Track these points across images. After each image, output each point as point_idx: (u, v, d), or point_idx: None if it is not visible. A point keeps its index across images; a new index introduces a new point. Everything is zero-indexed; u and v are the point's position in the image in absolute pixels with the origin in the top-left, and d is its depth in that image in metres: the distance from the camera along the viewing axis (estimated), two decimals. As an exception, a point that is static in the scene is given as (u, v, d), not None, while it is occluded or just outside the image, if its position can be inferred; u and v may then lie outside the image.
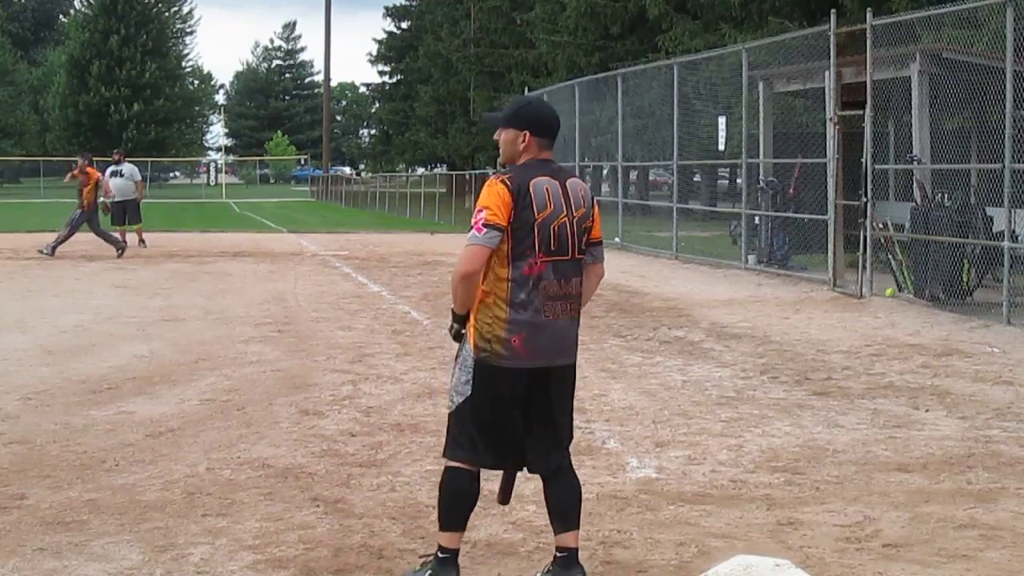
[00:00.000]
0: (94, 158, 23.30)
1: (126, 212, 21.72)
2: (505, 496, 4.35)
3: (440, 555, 4.15)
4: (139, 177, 22.45)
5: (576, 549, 4.20)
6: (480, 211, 4.01)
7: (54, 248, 19.03)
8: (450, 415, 4.18)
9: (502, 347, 4.03)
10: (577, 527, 4.22)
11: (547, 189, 4.06)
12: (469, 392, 4.09)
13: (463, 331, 4.15)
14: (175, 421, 6.99)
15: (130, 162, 22.92)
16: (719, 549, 4.60)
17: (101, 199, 21.62)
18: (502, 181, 4.04)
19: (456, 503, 4.17)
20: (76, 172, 20.20)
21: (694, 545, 4.69)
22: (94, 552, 4.62)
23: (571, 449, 6.27)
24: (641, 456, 6.17)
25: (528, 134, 4.12)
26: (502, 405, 4.08)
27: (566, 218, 4.08)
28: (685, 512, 5.15)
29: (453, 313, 4.15)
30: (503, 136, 4.18)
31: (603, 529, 4.89)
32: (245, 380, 8.31)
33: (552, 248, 4.05)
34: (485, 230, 3.97)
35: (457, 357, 4.18)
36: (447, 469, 4.19)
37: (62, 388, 8.01)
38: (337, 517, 5.08)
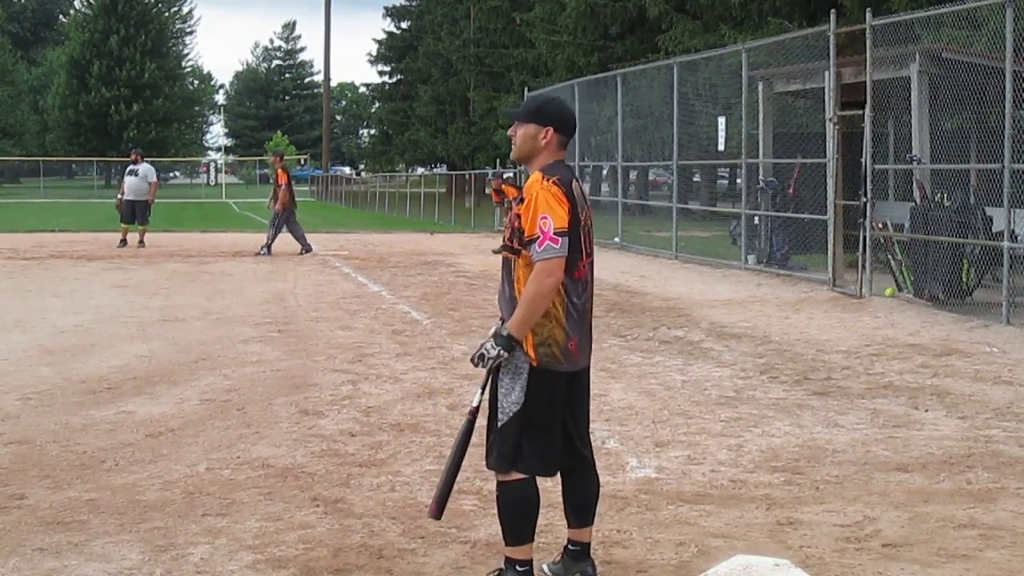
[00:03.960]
0: (96, 159, 23.51)
1: (135, 212, 21.72)
2: (440, 510, 4.18)
3: (519, 569, 4.11)
4: (154, 178, 22.37)
5: (590, 544, 4.27)
6: (545, 217, 3.89)
7: (268, 247, 20.36)
8: (502, 427, 4.04)
9: (560, 352, 4.03)
10: (592, 523, 4.30)
11: (580, 190, 4.09)
12: (524, 400, 4.01)
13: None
14: (175, 421, 6.99)
15: (148, 162, 22.92)
16: (719, 549, 4.60)
17: (118, 196, 21.85)
18: (555, 183, 3.95)
19: (529, 513, 4.12)
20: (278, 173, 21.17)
21: (694, 545, 4.69)
22: (94, 552, 4.62)
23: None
24: (641, 456, 6.17)
25: (552, 131, 4.05)
26: (556, 410, 4.10)
27: (589, 219, 4.14)
28: (685, 512, 5.15)
29: (509, 337, 3.96)
30: (523, 131, 4.08)
31: (603, 529, 4.88)
32: (245, 380, 8.31)
33: (589, 250, 4.11)
34: (560, 240, 3.89)
35: (499, 368, 4.03)
36: (509, 484, 4.08)
37: (62, 388, 8.01)
38: (337, 517, 5.08)
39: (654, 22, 27.70)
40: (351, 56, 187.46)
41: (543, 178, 3.96)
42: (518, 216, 3.97)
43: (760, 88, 16.92)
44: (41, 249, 20.99)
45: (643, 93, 21.95)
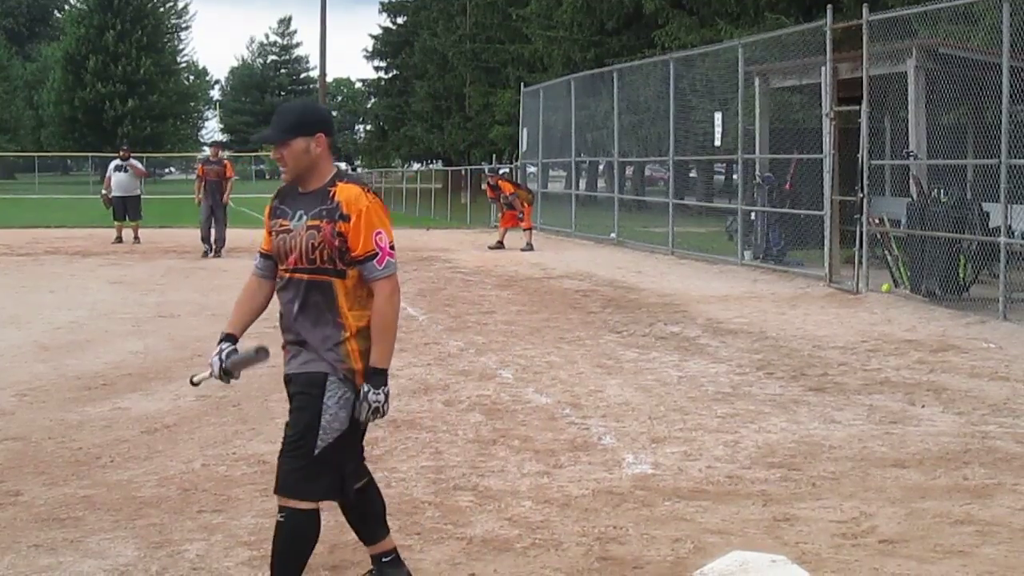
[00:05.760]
0: (91, 154, 23.47)
1: (127, 208, 21.70)
2: None
3: None
4: (140, 166, 22.53)
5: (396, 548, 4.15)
6: (379, 232, 3.72)
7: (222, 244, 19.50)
8: (322, 454, 3.74)
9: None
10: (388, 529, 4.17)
11: None
12: (347, 424, 3.77)
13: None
14: (170, 417, 6.98)
15: (135, 157, 22.96)
16: (715, 545, 4.60)
17: (102, 192, 21.69)
18: (375, 194, 3.79)
19: (311, 546, 3.87)
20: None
21: (690, 541, 4.69)
22: (89, 548, 4.61)
23: (567, 445, 6.31)
24: (637, 452, 6.17)
25: (322, 136, 3.77)
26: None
27: None
28: (681, 508, 5.15)
29: (385, 373, 3.74)
30: (290, 150, 3.74)
31: (599, 525, 4.88)
32: (240, 376, 8.28)
33: None
34: (395, 254, 3.76)
35: (325, 395, 3.72)
36: (303, 512, 3.78)
37: (57, 384, 8.00)
38: (332, 513, 5.05)
39: (650, 17, 27.68)
40: (347, 52, 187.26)
41: (364, 191, 3.76)
42: (340, 234, 3.69)
43: (756, 84, 16.92)
44: (36, 245, 20.96)
45: (639, 88, 21.94)
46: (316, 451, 3.72)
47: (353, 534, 4.79)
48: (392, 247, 3.76)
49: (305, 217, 3.74)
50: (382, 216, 3.75)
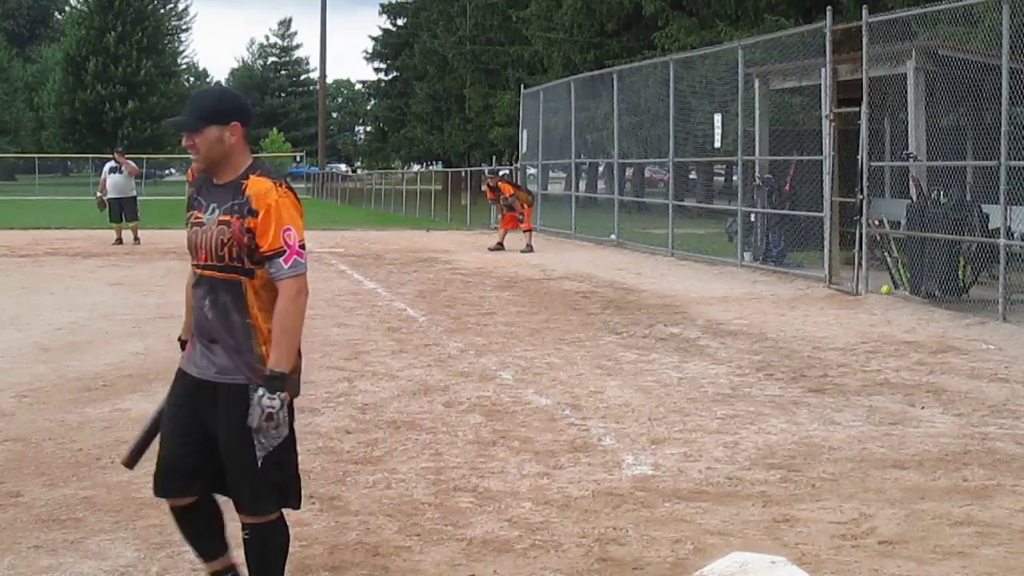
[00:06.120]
0: (91, 156, 23.42)
1: (123, 209, 21.71)
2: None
3: None
4: (132, 164, 22.58)
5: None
6: (288, 229, 3.51)
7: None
8: (263, 467, 3.59)
9: (299, 377, 3.71)
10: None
11: None
12: (288, 433, 3.64)
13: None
14: (171, 418, 6.97)
15: (129, 159, 22.98)
16: (715, 546, 4.60)
17: (97, 194, 21.64)
18: (289, 189, 3.60)
19: (284, 553, 3.77)
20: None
21: (690, 542, 4.69)
22: (90, 550, 4.61)
23: (567, 446, 6.32)
24: (637, 453, 6.17)
25: (238, 125, 3.60)
26: None
27: None
28: (681, 509, 5.15)
29: (283, 376, 3.51)
30: (202, 138, 3.56)
31: (599, 526, 4.88)
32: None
33: None
34: (304, 254, 3.56)
35: (273, 417, 3.49)
36: (276, 523, 3.71)
37: (57, 385, 8.00)
38: (332, 514, 5.07)
39: (650, 19, 27.70)
40: (347, 53, 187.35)
41: (276, 185, 3.57)
42: (249, 230, 3.50)
43: (756, 85, 16.92)
44: (36, 246, 20.96)
45: (639, 90, 21.95)
46: (259, 463, 3.58)
47: (353, 534, 4.80)
48: (303, 246, 3.56)
49: (217, 211, 3.57)
50: (293, 212, 3.55)
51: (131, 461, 3.85)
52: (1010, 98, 10.84)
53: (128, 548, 4.61)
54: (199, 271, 3.65)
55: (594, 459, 6.03)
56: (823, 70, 14.31)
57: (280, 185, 3.57)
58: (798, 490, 5.45)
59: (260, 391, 3.47)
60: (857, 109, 13.50)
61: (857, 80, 13.59)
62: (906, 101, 13.55)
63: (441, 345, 9.90)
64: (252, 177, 3.57)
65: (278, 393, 3.47)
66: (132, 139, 69.31)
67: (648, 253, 19.78)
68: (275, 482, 3.62)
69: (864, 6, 13.38)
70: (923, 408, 7.27)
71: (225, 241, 3.53)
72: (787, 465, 5.90)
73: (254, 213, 3.50)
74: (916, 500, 5.27)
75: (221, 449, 3.61)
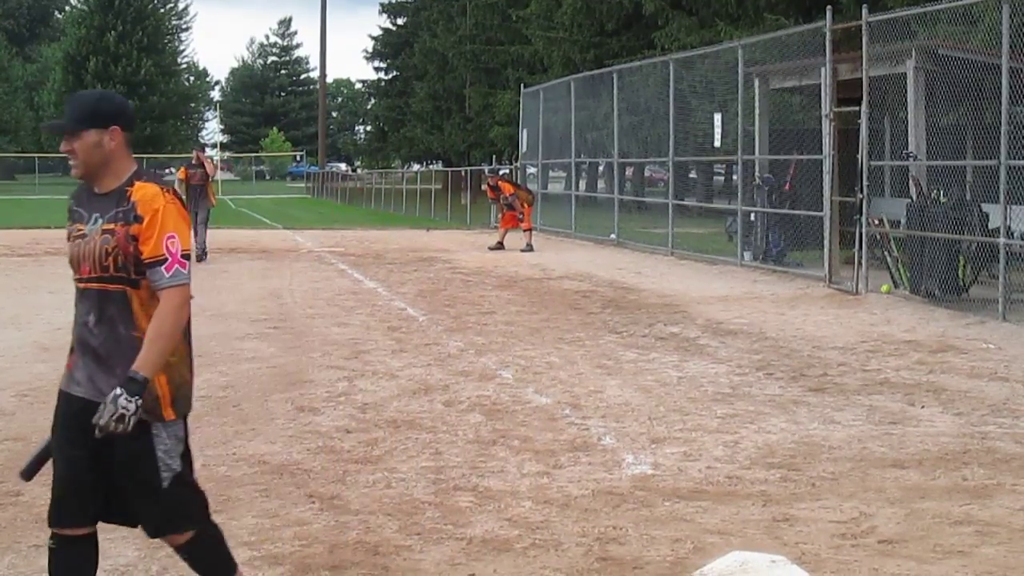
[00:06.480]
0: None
1: None
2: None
3: None
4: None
5: None
6: (172, 237, 3.36)
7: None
8: (168, 488, 3.43)
9: (190, 393, 3.54)
10: None
11: None
12: (183, 452, 3.50)
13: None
14: (171, 418, 6.97)
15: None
16: (715, 545, 4.60)
17: None
18: (175, 196, 3.47)
19: (225, 549, 3.68)
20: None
21: (690, 541, 4.69)
22: (89, 549, 4.60)
23: (567, 445, 6.32)
24: (637, 452, 6.17)
25: (118, 130, 3.44)
26: None
27: None
28: (681, 508, 5.15)
29: (145, 382, 3.30)
30: (81, 143, 3.39)
31: (599, 526, 4.89)
32: (241, 376, 8.30)
33: None
34: (187, 264, 3.40)
35: (124, 420, 3.27)
36: (187, 542, 3.55)
37: (57, 385, 7.98)
38: (333, 514, 5.07)
39: (650, 18, 27.68)
40: (347, 52, 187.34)
41: (162, 191, 3.42)
42: (135, 238, 3.34)
43: (756, 84, 16.92)
44: (36, 246, 20.95)
45: (639, 89, 21.96)
46: (164, 484, 3.42)
47: (353, 533, 4.80)
48: (185, 256, 3.39)
49: (100, 220, 3.41)
50: (179, 220, 3.40)
51: (28, 474, 3.69)
52: (1010, 97, 10.84)
53: (128, 548, 4.61)
54: (82, 285, 3.49)
55: (594, 458, 6.03)
56: (823, 69, 14.31)
57: (167, 191, 3.43)
58: (798, 489, 5.46)
59: (118, 390, 3.28)
60: (857, 108, 13.50)
61: (857, 79, 13.59)
62: (906, 100, 13.54)
63: (441, 344, 9.91)
64: (138, 183, 3.43)
65: (135, 397, 3.28)
66: (132, 139, 69.15)
67: (648, 252, 19.78)
68: (183, 499, 3.48)
69: (864, 5, 13.38)
70: (923, 407, 7.27)
71: (110, 251, 3.37)
72: (787, 464, 5.90)
73: (139, 219, 3.36)
74: (916, 499, 5.27)
75: (117, 473, 3.42)
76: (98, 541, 3.59)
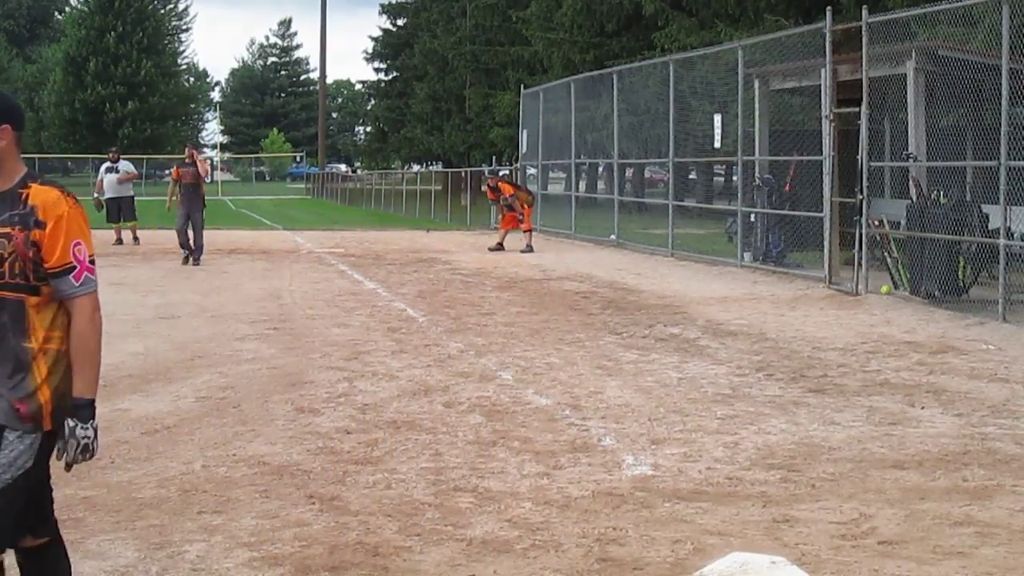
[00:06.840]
0: (92, 156, 23.43)
1: (120, 209, 21.71)
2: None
3: None
4: (132, 169, 22.61)
5: None
6: (79, 244, 3.23)
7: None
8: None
9: (71, 400, 3.31)
10: None
11: None
12: (30, 466, 3.24)
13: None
14: (171, 418, 6.98)
15: (125, 159, 23.02)
16: (715, 546, 4.60)
17: (94, 195, 21.62)
18: (75, 199, 3.31)
19: None
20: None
21: (690, 542, 4.69)
22: (90, 550, 4.61)
23: (567, 446, 6.32)
24: (637, 453, 6.17)
25: (9, 128, 3.31)
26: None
27: None
28: (681, 509, 5.15)
29: (90, 405, 3.24)
30: None
31: (599, 526, 4.89)
32: (241, 377, 8.31)
33: None
34: (95, 270, 3.30)
35: (89, 448, 3.25)
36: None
37: None
38: (332, 514, 5.07)
39: (650, 19, 27.70)
40: (347, 53, 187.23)
41: (64, 195, 3.26)
42: (35, 243, 3.19)
43: (756, 85, 16.92)
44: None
45: (639, 90, 21.96)
46: None
47: (353, 534, 4.80)
48: (92, 261, 3.28)
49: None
50: (83, 225, 3.27)
51: None
52: (1010, 98, 10.84)
53: (128, 548, 4.61)
54: None
55: (594, 459, 6.03)
56: (823, 70, 14.31)
57: (68, 195, 3.28)
58: (798, 490, 5.45)
59: (72, 422, 3.20)
60: (857, 109, 13.50)
61: (857, 80, 13.59)
62: (906, 101, 13.54)
63: (441, 345, 9.91)
64: (34, 186, 3.27)
65: (90, 422, 3.23)
66: (132, 139, 69.33)
67: (648, 253, 19.78)
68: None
69: (864, 6, 13.38)
70: (923, 408, 7.27)
71: (6, 256, 3.19)
72: (787, 465, 5.90)
73: (41, 225, 3.20)
74: (916, 500, 5.27)
75: None
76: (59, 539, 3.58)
